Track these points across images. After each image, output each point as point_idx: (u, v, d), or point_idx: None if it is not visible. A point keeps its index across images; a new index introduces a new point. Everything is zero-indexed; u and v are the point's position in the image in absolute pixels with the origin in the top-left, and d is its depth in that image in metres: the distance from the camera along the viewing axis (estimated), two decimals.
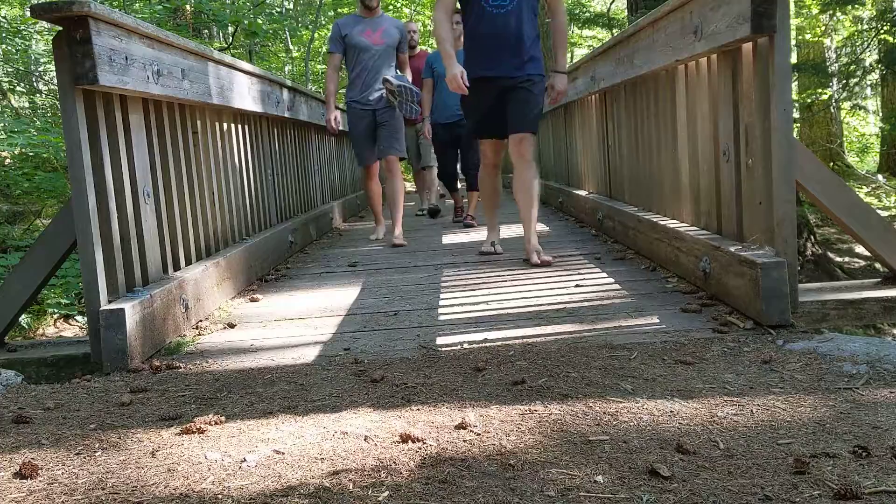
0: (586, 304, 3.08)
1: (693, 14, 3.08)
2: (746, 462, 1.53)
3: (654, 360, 2.25)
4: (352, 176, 8.77)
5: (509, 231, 5.79)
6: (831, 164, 11.62)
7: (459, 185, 6.95)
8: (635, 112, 4.34)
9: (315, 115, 6.39)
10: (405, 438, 1.71)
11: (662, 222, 3.67)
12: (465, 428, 1.77)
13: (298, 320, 3.17)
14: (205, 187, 3.62)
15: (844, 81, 10.00)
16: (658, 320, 2.75)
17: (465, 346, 2.57)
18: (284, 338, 2.88)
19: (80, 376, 2.52)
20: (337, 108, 5.58)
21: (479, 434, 1.74)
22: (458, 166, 6.60)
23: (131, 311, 2.55)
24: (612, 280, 3.52)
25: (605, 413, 1.85)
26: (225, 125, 4.02)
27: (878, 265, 6.53)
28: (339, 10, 15.01)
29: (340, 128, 5.49)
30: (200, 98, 3.45)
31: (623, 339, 2.52)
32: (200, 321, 3.17)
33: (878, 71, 10.06)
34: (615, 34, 6.13)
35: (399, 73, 5.45)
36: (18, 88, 11.27)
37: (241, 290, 3.80)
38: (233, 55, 7.73)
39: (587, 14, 12.85)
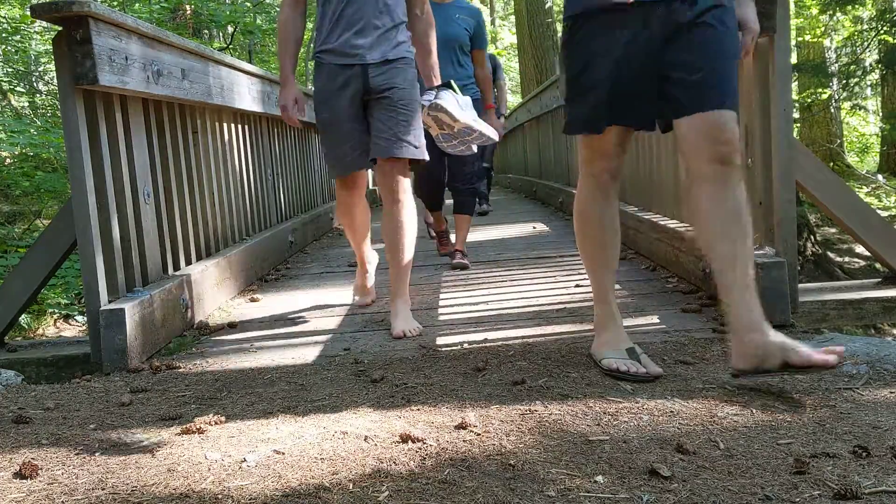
0: (586, 304, 3.08)
1: None
2: (746, 462, 1.53)
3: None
4: None
5: (510, 230, 5.79)
6: (831, 164, 11.61)
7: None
8: None
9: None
10: (405, 438, 1.71)
11: (663, 222, 3.67)
12: (465, 428, 1.77)
13: (298, 320, 3.17)
14: (205, 187, 3.62)
15: (844, 81, 10.00)
16: (658, 320, 2.75)
17: (465, 346, 2.57)
18: (284, 338, 2.88)
19: (80, 376, 2.52)
20: (306, 94, 3.53)
21: (479, 434, 1.74)
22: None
23: (131, 311, 2.55)
24: None
25: (605, 413, 1.85)
26: (225, 125, 4.02)
27: (878, 265, 6.53)
28: None
29: (305, 118, 3.46)
30: (200, 98, 3.45)
31: None
32: (200, 321, 3.17)
33: (878, 71, 10.07)
34: None
35: (454, 88, 3.02)
36: (18, 88, 11.27)
37: (241, 290, 3.80)
38: (232, 55, 7.73)
39: None
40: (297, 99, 2.92)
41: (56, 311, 5.02)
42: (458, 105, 2.97)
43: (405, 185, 2.89)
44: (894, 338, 5.91)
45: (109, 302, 2.62)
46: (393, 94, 2.82)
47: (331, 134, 2.91)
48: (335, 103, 2.85)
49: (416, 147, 2.84)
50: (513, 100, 16.08)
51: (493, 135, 3.10)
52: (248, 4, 11.30)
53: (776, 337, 1.92)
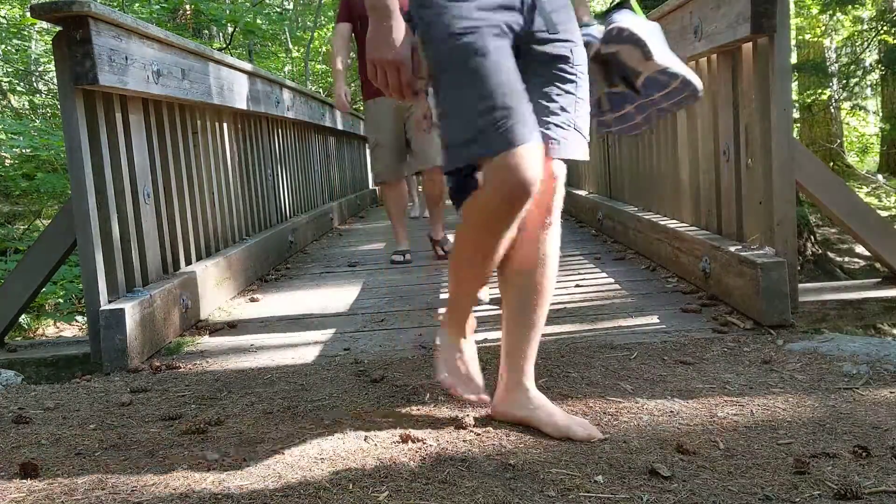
0: (586, 304, 3.08)
1: (693, 14, 3.08)
2: (746, 462, 1.53)
3: (654, 360, 2.25)
4: (352, 175, 8.73)
5: None
6: (831, 164, 11.61)
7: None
8: None
9: (315, 115, 6.39)
10: (405, 438, 1.71)
11: (662, 222, 3.67)
12: (465, 428, 1.77)
13: (298, 320, 3.17)
14: (205, 187, 3.62)
15: (844, 81, 10.00)
16: (658, 320, 2.75)
17: None
18: (284, 338, 2.88)
19: (80, 376, 2.52)
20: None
21: (479, 434, 1.74)
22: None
23: (131, 311, 2.55)
24: (612, 280, 3.52)
25: (605, 413, 1.85)
26: (225, 125, 4.02)
27: (878, 265, 6.53)
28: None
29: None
30: (200, 98, 3.45)
31: (623, 339, 2.52)
32: (200, 321, 3.17)
33: (878, 71, 10.06)
34: None
35: (634, 8, 1.90)
36: (18, 88, 11.26)
37: (241, 290, 3.80)
38: (232, 55, 7.73)
39: None
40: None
41: (55, 317, 5.02)
42: (649, 31, 1.80)
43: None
44: (894, 338, 5.91)
45: (109, 302, 2.61)
46: (571, 50, 1.71)
47: (477, 64, 1.57)
48: (484, 15, 1.61)
49: (587, 143, 1.78)
50: None
51: (698, 82, 1.85)
52: (248, 4, 11.29)
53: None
